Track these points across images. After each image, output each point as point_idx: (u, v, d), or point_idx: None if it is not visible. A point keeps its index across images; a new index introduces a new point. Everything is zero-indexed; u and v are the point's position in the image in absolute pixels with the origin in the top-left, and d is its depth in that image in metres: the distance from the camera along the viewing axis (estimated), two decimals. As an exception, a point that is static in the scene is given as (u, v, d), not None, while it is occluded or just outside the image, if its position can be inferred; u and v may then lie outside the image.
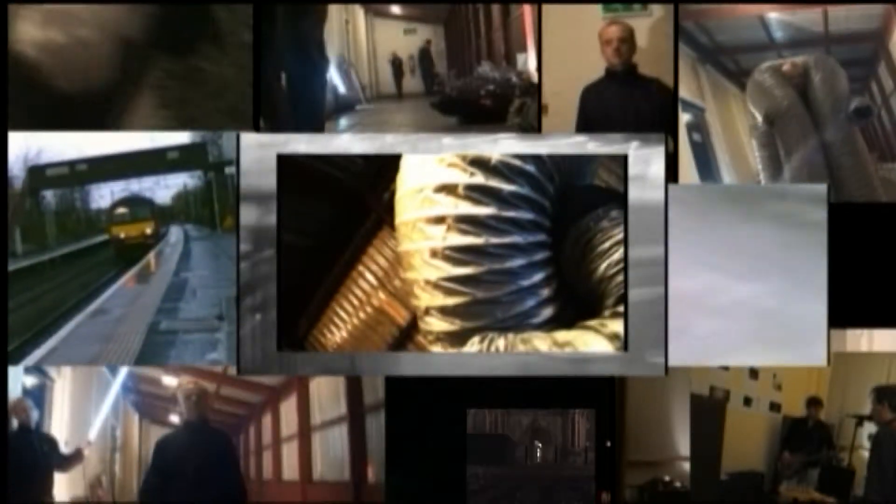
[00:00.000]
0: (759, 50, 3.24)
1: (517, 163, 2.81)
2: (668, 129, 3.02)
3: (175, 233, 3.58)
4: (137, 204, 3.57)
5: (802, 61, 3.20)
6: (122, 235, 3.58)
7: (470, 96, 3.27)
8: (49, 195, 3.42)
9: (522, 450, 3.01)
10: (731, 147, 3.26)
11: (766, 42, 3.23)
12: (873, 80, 3.25)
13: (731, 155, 3.26)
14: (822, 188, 3.06)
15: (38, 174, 3.27)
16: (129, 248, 3.54)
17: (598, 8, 3.08)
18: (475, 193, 2.80)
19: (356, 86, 3.35)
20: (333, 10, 3.20)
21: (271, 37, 3.05)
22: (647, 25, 3.08)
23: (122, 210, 3.58)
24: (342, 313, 3.02)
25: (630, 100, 3.09)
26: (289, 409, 3.30)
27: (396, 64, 3.36)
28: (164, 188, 3.49)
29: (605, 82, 3.10)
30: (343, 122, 3.29)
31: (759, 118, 3.21)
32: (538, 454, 3.01)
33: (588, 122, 3.08)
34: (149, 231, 3.61)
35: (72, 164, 3.27)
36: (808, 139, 3.18)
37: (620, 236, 2.84)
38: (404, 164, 2.88)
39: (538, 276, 2.82)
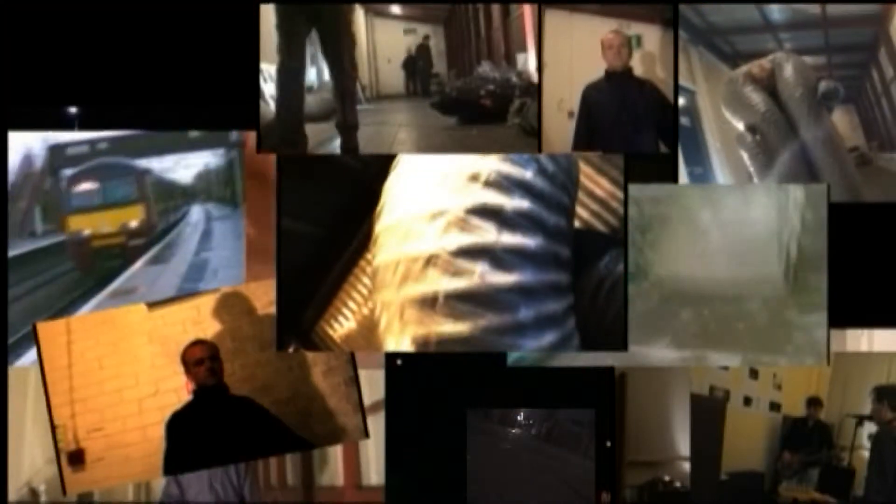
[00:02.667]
0: (755, 31, 3.19)
1: (561, 176, 2.60)
2: (659, 124, 3.10)
3: (196, 212, 3.49)
4: (114, 177, 2.79)
5: (769, 60, 3.17)
6: (87, 233, 2.63)
7: (470, 96, 3.27)
8: (69, 174, 3.26)
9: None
10: (723, 133, 3.21)
11: (762, 23, 3.18)
12: (873, 67, 3.20)
13: (722, 141, 3.20)
14: (821, 188, 3.06)
15: (59, 152, 3.18)
16: (98, 255, 2.71)
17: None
18: (540, 183, 2.45)
19: (358, 91, 3.34)
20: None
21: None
22: (645, 59, 3.14)
23: (87, 186, 2.68)
24: (351, 304, 2.96)
25: (626, 98, 3.12)
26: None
27: (407, 65, 3.36)
28: (185, 167, 3.35)
29: (604, 82, 3.14)
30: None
31: (741, 128, 3.19)
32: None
33: (589, 118, 3.12)
34: (135, 224, 2.76)
35: (92, 142, 3.16)
36: (788, 143, 3.16)
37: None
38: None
39: (569, 300, 2.65)
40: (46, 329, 2.62)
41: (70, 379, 2.43)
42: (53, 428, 2.65)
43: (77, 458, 2.38)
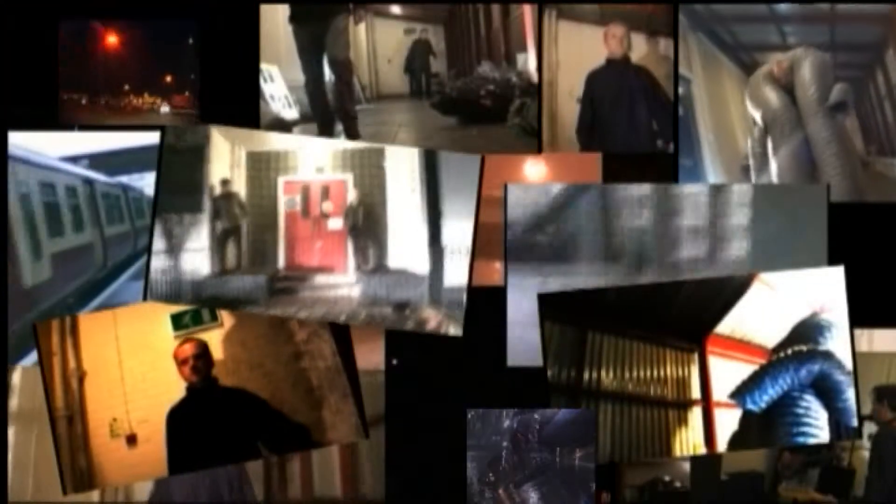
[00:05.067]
0: (759, 21, 3.13)
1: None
2: (651, 102, 3.16)
3: None
4: None
5: (789, 57, 3.14)
6: None
7: (470, 96, 3.27)
8: None
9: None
10: (718, 123, 3.17)
11: (767, 14, 3.12)
12: (878, 68, 3.14)
13: (715, 133, 3.16)
14: (821, 188, 3.06)
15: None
16: None
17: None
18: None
19: (356, 86, 3.34)
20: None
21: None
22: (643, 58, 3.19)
23: None
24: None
25: (624, 81, 3.18)
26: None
27: (407, 65, 3.36)
28: None
29: (605, 68, 3.21)
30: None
31: (759, 122, 3.17)
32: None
33: (592, 99, 3.18)
34: None
35: (73, 158, 3.20)
36: (794, 134, 3.13)
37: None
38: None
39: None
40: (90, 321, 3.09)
41: (123, 387, 3.05)
42: (54, 430, 3.02)
43: (133, 440, 3.02)
